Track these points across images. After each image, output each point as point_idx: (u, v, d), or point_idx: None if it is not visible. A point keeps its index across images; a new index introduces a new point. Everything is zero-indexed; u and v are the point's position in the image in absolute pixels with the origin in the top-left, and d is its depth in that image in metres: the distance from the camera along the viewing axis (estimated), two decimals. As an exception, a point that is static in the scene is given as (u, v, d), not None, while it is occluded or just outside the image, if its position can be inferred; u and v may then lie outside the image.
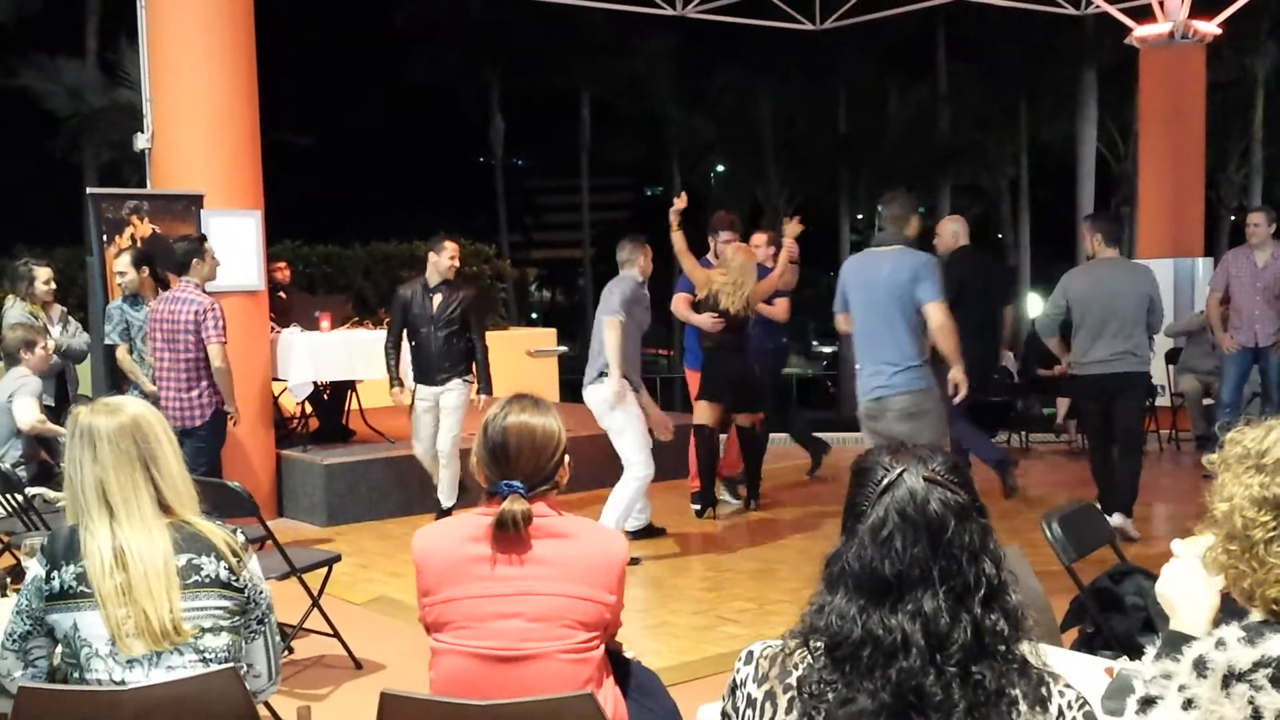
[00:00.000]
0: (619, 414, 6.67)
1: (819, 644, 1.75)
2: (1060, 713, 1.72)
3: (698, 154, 28.81)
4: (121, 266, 7.01)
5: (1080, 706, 1.74)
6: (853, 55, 23.77)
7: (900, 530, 1.71)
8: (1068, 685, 1.76)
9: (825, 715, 1.73)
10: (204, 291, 6.54)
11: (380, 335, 7.81)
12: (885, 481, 1.75)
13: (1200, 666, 1.77)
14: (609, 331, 6.66)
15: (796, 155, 26.39)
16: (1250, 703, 1.71)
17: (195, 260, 6.52)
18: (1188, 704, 1.77)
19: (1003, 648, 1.71)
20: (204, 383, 6.49)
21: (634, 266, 6.91)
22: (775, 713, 1.78)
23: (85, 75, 20.44)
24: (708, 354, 7.57)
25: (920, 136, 25.76)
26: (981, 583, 1.71)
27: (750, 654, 1.86)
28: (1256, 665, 1.73)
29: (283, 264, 10.34)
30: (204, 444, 6.53)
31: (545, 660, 2.70)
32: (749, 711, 1.82)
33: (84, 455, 2.64)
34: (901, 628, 1.69)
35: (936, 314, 5.71)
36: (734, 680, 1.86)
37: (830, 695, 1.72)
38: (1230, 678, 1.74)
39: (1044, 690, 1.73)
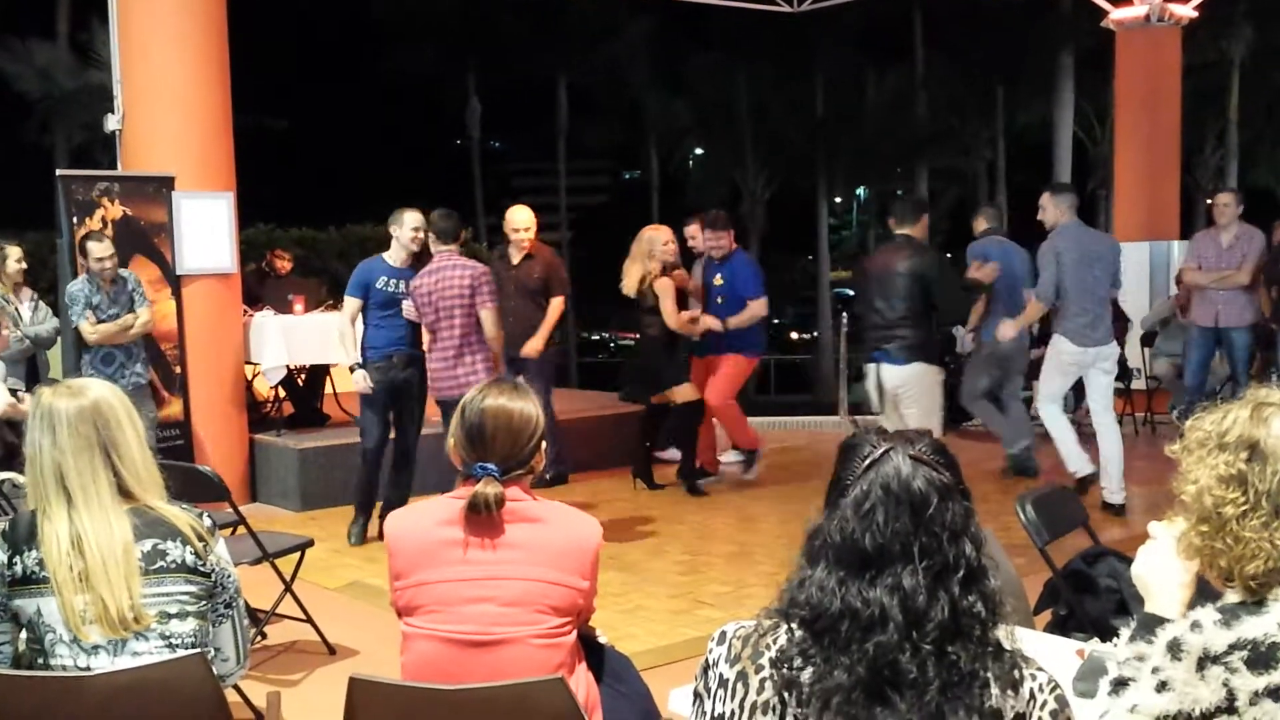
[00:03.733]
0: None
1: (799, 615, 1.75)
2: (1032, 695, 1.73)
3: (675, 138, 28.77)
4: (107, 251, 6.89)
5: (1052, 690, 1.75)
6: (830, 39, 23.75)
7: (883, 504, 1.73)
8: (1040, 668, 1.77)
9: (798, 696, 1.72)
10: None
11: None
12: (871, 457, 1.77)
13: (1175, 648, 1.76)
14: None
15: (774, 139, 26.37)
16: (1225, 685, 1.71)
17: (463, 230, 6.57)
18: (1161, 686, 1.76)
19: (978, 630, 1.71)
20: (477, 351, 6.37)
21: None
22: (747, 693, 1.77)
23: (56, 57, 20.25)
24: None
25: (898, 121, 25.79)
26: (961, 563, 1.72)
27: (723, 634, 1.85)
28: (1232, 647, 1.72)
29: (285, 254, 10.19)
30: None
31: (517, 645, 2.68)
32: (720, 692, 1.81)
33: (43, 439, 2.59)
34: (880, 601, 1.70)
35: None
36: (706, 660, 1.86)
37: (806, 674, 1.72)
38: (1205, 660, 1.73)
39: (1016, 673, 1.73)
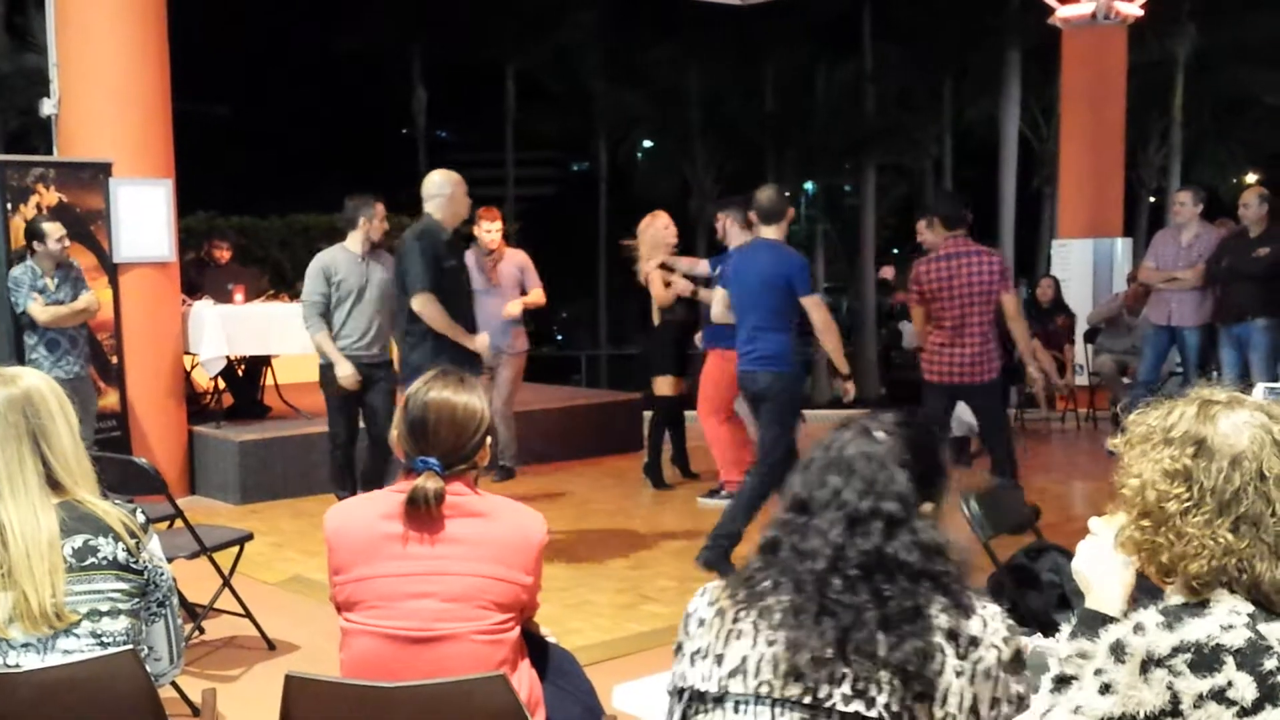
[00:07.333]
0: None
1: (759, 544, 2.06)
2: (984, 622, 1.94)
3: (625, 129, 28.66)
4: (61, 232, 6.78)
5: (1003, 618, 1.97)
6: (780, 33, 23.76)
7: (820, 462, 2.07)
8: (988, 603, 1.99)
9: (763, 614, 1.95)
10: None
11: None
12: (841, 427, 2.11)
13: (1118, 651, 1.75)
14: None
15: (723, 132, 26.35)
16: (1169, 688, 1.69)
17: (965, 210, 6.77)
18: (1105, 689, 1.75)
19: (911, 568, 1.94)
20: (992, 337, 6.58)
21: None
22: (723, 624, 1.97)
23: (-9, 39, 19.80)
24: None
25: (846, 116, 25.84)
26: (880, 515, 1.98)
27: (704, 589, 2.09)
28: (1175, 650, 1.71)
29: (224, 243, 10.01)
30: (995, 400, 6.70)
31: (459, 641, 2.64)
32: (699, 630, 2.01)
33: None
34: (812, 531, 2.00)
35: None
36: (687, 613, 2.07)
37: (764, 589, 1.97)
38: (1149, 663, 1.71)
39: (966, 599, 1.95)
